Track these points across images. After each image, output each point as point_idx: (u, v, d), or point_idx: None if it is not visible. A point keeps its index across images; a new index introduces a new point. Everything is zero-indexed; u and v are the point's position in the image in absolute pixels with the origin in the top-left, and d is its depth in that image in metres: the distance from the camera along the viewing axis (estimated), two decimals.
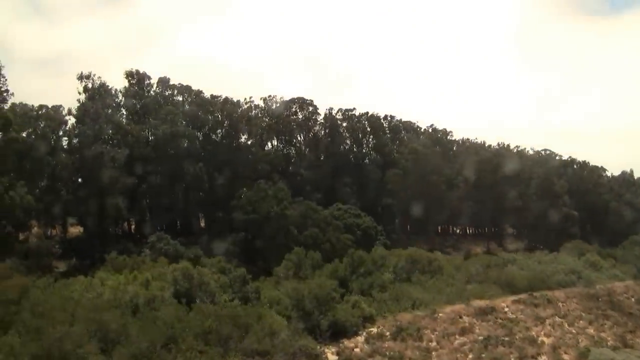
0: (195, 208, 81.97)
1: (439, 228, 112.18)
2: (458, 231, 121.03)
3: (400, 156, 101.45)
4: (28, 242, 63.83)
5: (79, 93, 75.26)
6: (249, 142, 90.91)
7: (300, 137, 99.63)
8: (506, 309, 49.64)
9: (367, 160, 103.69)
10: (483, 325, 45.81)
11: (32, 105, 71.83)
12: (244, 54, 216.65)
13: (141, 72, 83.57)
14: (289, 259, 58.24)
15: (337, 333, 42.89)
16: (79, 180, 68.89)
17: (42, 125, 69.72)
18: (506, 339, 43.17)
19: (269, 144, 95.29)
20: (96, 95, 73.00)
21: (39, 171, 66.99)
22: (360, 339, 43.12)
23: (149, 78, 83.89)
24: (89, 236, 68.57)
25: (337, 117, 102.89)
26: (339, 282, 52.25)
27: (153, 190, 75.33)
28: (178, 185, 77.05)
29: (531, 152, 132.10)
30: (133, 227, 79.24)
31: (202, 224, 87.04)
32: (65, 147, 71.47)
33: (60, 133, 71.96)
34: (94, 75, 73.57)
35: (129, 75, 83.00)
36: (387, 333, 43.69)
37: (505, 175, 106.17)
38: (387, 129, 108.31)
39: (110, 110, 72.53)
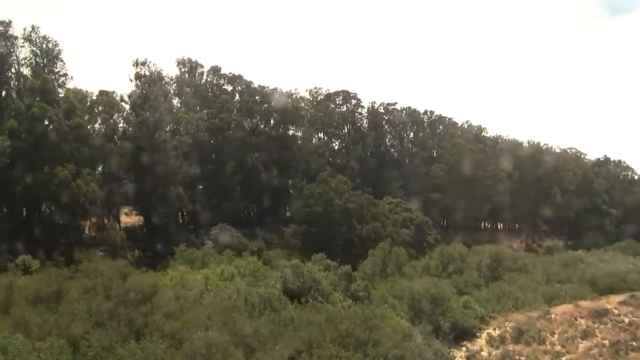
0: (251, 199, 77.67)
1: (478, 223, 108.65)
2: (489, 226, 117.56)
3: (444, 151, 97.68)
4: (97, 232, 59.40)
5: (132, 80, 70.65)
6: (298, 134, 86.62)
7: (345, 130, 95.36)
8: (616, 311, 46.03)
9: (409, 155, 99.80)
10: (602, 328, 42.22)
11: (86, 91, 67.12)
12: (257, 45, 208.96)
13: (193, 60, 78.88)
14: (374, 255, 54.31)
15: (457, 335, 39.30)
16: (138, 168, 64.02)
17: (99, 111, 65.06)
18: (634, 343, 39.55)
19: (316, 136, 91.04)
20: (150, 82, 68.20)
21: (100, 158, 62.32)
22: (481, 341, 39.44)
23: (201, 66, 79.29)
24: (149, 227, 64.11)
25: (379, 110, 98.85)
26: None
27: (210, 181, 70.90)
28: (235, 176, 72.60)
29: (557, 150, 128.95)
30: (186, 217, 74.70)
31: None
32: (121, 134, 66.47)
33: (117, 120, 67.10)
34: (149, 62, 68.90)
35: (181, 63, 78.34)
36: (508, 335, 39.97)
37: (545, 172, 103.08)
38: (426, 124, 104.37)
39: (165, 98, 67.57)
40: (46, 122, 55.58)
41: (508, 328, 41.12)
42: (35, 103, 55.61)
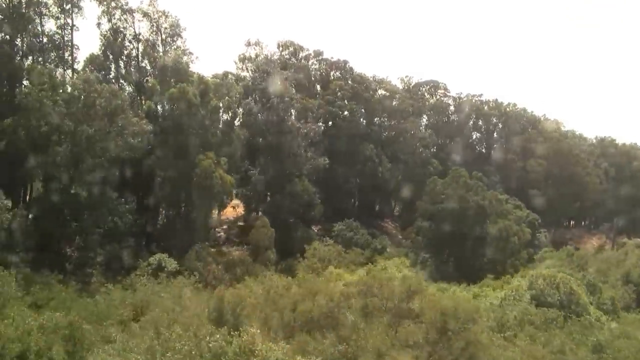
0: (368, 192, 70.05)
1: (566, 221, 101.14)
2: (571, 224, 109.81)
3: (538, 146, 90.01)
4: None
5: (242, 62, 62.96)
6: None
7: (432, 121, 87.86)
8: None
9: (500, 149, 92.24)
10: None
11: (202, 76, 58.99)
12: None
13: (296, 43, 70.98)
14: (552, 257, 46.81)
15: None
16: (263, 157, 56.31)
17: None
18: None
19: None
20: (264, 65, 60.42)
21: (225, 145, 54.45)
22: None
23: (303, 49, 71.40)
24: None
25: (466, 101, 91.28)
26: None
27: (323, 173, 63.14)
28: (352, 168, 64.93)
29: None
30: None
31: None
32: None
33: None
34: (262, 42, 61.25)
35: (283, 45, 70.38)
36: None
37: (634, 169, 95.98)
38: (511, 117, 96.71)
39: (283, 82, 59.52)
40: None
41: None
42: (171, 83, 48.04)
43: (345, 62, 72.57)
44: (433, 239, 61.03)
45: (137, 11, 52.69)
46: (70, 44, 51.04)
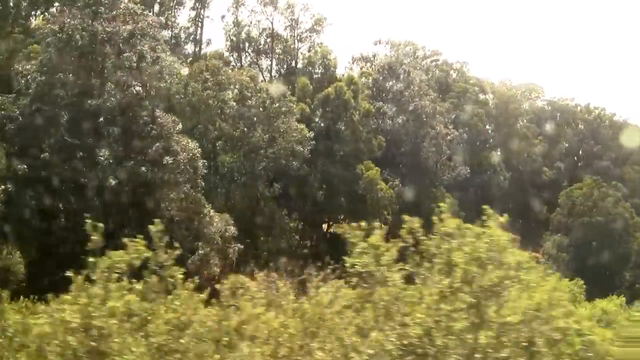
0: None
1: None
2: None
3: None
4: None
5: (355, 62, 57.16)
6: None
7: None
8: None
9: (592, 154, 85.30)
10: None
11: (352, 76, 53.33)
12: None
13: (415, 43, 65.36)
14: None
15: None
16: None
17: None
18: None
19: None
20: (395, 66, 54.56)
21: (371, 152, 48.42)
22: None
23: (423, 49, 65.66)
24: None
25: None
26: None
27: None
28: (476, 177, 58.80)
29: None
30: None
31: None
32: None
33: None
34: (391, 41, 55.46)
35: (393, 45, 64.32)
36: None
37: None
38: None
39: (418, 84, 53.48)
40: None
41: None
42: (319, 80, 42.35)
43: (465, 63, 66.70)
44: (570, 254, 54.78)
45: (271, 3, 47.13)
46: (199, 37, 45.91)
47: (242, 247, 26.41)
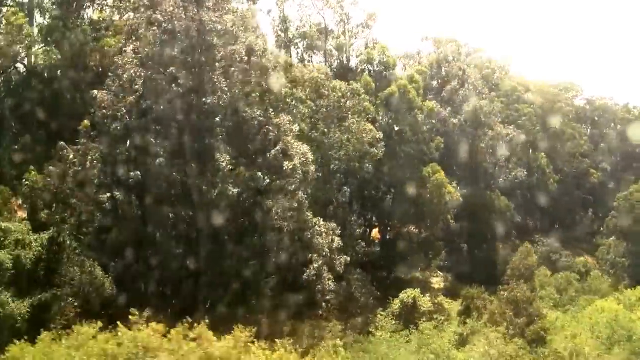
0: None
1: None
2: None
3: None
4: None
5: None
6: None
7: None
8: None
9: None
10: None
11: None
12: None
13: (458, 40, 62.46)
14: None
15: None
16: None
17: None
18: None
19: None
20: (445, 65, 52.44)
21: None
22: None
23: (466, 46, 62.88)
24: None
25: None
26: None
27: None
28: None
29: None
30: None
31: None
32: None
33: None
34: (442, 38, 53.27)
35: (437, 42, 61.87)
36: None
37: None
38: None
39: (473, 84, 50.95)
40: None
41: None
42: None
43: (509, 58, 64.14)
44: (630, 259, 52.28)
45: None
46: None
47: (348, 259, 24.09)
